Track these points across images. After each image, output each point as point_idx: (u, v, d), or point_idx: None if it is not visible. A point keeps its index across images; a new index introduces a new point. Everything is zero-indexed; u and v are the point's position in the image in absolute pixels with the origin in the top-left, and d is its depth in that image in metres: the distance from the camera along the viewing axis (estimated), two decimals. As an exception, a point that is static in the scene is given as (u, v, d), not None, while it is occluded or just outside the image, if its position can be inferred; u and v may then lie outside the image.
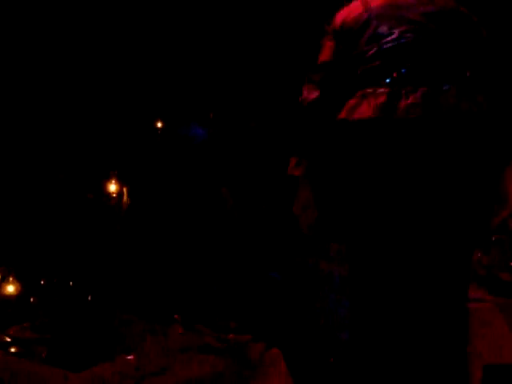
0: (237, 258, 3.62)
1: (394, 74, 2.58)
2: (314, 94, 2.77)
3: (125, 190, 4.11)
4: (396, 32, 2.64)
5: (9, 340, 2.62)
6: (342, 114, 2.62)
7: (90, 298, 2.70)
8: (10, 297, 2.87)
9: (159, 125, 5.64)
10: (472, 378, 2.99)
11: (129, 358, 2.38)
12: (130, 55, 6.18)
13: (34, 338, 2.63)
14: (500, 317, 3.11)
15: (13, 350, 2.54)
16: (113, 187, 4.19)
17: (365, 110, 2.54)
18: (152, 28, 6.25)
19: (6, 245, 3.51)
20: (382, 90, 2.54)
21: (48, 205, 3.67)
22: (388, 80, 2.57)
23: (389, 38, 2.64)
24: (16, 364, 2.25)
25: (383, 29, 2.67)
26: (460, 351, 2.63)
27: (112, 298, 2.64)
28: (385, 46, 2.63)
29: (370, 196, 2.56)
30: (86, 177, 3.72)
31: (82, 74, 5.52)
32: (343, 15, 2.80)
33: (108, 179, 4.22)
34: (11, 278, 2.91)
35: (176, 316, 2.60)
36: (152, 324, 2.87)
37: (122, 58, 6.09)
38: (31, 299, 2.79)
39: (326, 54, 2.80)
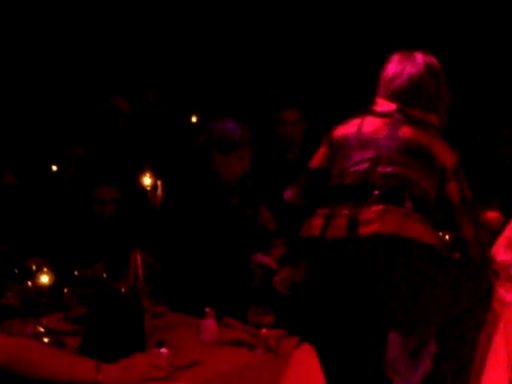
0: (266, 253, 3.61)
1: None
2: (289, 195, 3.14)
3: (159, 183, 4.11)
4: (358, 159, 2.90)
5: (42, 330, 2.64)
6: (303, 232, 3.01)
7: (123, 290, 2.70)
8: (43, 287, 2.88)
9: (194, 119, 5.65)
10: (501, 378, 2.97)
11: (161, 350, 2.37)
12: (167, 51, 6.22)
13: (67, 329, 2.64)
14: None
15: (46, 340, 2.55)
16: (147, 180, 4.19)
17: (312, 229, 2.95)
18: (181, 25, 6.29)
19: (41, 236, 3.54)
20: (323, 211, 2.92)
21: (84, 198, 3.69)
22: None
23: (350, 163, 2.91)
24: (49, 353, 2.24)
25: (355, 155, 2.91)
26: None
27: (143, 290, 2.63)
28: (346, 172, 2.91)
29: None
30: (120, 169, 3.73)
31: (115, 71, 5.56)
32: (342, 131, 3.03)
33: (142, 172, 4.22)
34: (45, 269, 2.93)
35: (208, 309, 2.59)
36: (184, 317, 2.87)
37: (161, 53, 6.14)
38: (65, 290, 2.80)
39: (317, 159, 3.10)
